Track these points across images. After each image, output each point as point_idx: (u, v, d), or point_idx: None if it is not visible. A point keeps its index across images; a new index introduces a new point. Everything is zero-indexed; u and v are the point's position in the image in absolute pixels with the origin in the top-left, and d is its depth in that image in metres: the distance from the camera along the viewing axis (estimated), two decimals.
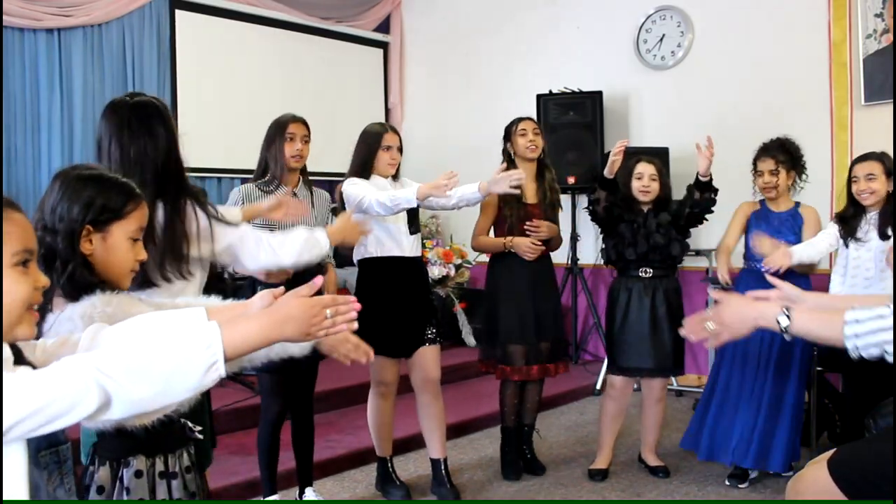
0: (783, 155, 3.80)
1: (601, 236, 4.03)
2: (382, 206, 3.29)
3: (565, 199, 5.95)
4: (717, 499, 3.66)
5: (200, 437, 1.82)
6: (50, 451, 1.23)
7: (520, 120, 3.94)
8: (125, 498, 1.68)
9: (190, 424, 1.80)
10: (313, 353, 3.39)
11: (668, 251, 3.77)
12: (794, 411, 3.66)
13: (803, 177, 3.86)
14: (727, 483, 3.78)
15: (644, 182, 3.79)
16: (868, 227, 3.60)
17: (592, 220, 3.95)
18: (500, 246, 3.85)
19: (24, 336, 1.22)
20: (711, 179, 3.69)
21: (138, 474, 1.69)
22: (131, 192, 1.65)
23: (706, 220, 3.86)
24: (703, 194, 3.71)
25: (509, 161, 3.90)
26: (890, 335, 1.71)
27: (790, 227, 3.80)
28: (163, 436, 1.68)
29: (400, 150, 3.62)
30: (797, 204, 3.86)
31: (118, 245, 1.61)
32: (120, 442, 1.65)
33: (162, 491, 1.71)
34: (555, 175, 4.03)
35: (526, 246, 3.81)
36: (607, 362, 4.07)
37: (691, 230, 3.90)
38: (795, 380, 3.69)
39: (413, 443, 4.16)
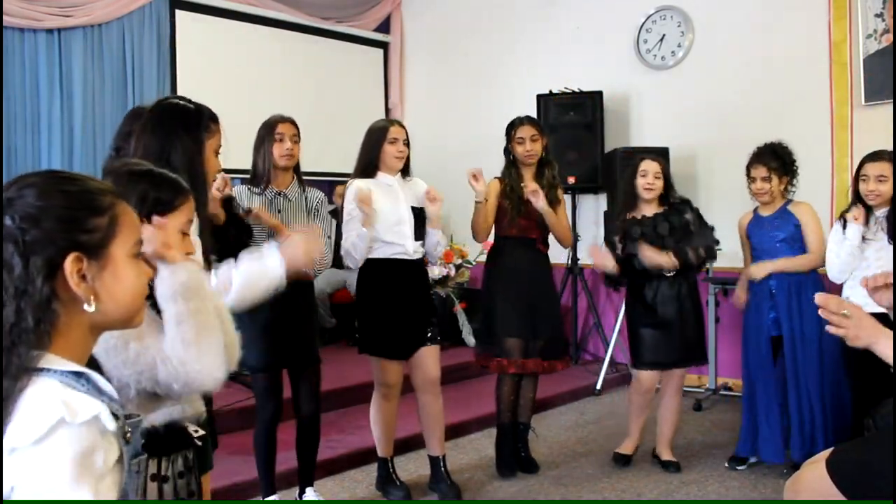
0: (775, 161, 3.83)
1: (602, 238, 4.06)
2: (349, 254, 3.44)
3: (565, 200, 5.96)
4: (718, 498, 3.67)
5: (199, 443, 1.80)
6: (136, 460, 1.21)
7: (518, 124, 3.92)
8: None
9: (193, 428, 1.78)
10: (312, 354, 3.41)
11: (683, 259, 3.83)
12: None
13: (795, 181, 3.89)
14: (726, 466, 4.00)
15: (648, 179, 3.87)
16: (876, 226, 3.59)
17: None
18: (486, 206, 3.80)
19: (139, 324, 1.24)
20: (682, 263, 3.82)
21: None
22: (180, 187, 1.69)
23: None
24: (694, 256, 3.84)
25: (510, 161, 3.92)
26: None
27: (780, 225, 3.85)
28: (159, 439, 1.67)
29: (407, 143, 3.61)
30: (787, 202, 3.88)
31: (171, 237, 1.64)
32: None
33: (152, 494, 1.69)
34: (556, 171, 4.02)
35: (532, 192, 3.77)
36: (631, 357, 4.08)
37: None
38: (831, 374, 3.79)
39: (413, 443, 4.15)
